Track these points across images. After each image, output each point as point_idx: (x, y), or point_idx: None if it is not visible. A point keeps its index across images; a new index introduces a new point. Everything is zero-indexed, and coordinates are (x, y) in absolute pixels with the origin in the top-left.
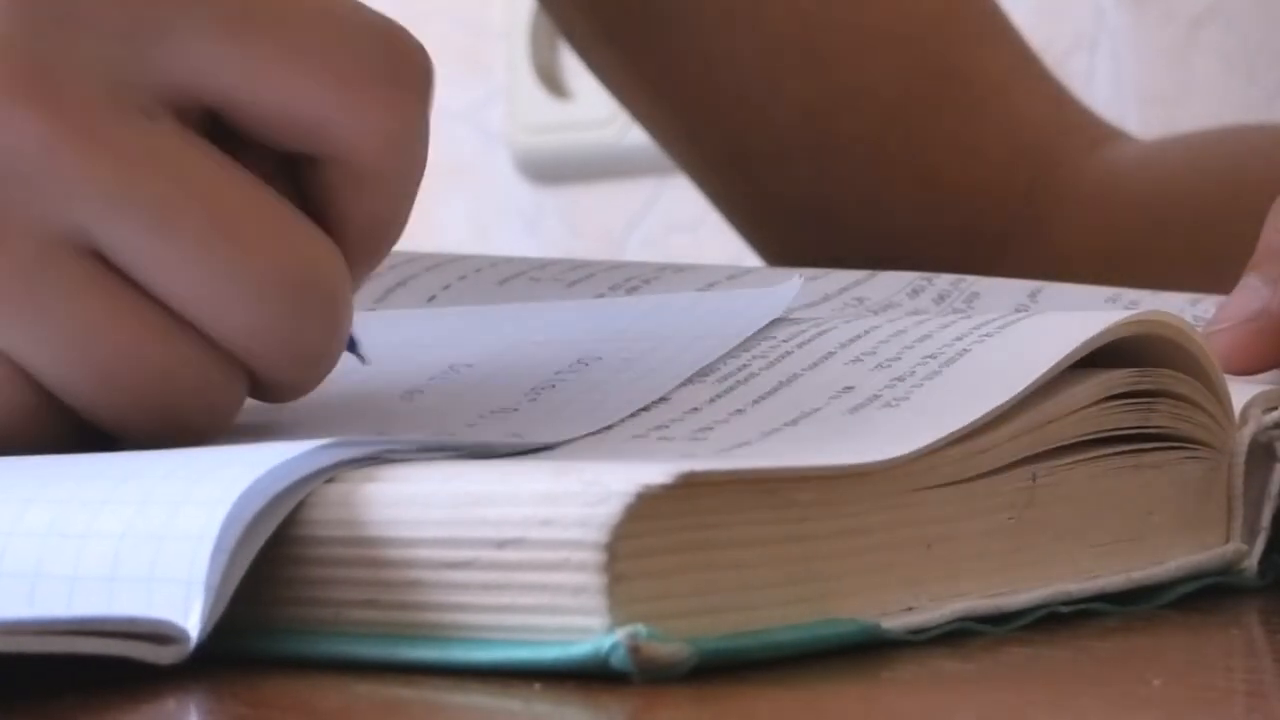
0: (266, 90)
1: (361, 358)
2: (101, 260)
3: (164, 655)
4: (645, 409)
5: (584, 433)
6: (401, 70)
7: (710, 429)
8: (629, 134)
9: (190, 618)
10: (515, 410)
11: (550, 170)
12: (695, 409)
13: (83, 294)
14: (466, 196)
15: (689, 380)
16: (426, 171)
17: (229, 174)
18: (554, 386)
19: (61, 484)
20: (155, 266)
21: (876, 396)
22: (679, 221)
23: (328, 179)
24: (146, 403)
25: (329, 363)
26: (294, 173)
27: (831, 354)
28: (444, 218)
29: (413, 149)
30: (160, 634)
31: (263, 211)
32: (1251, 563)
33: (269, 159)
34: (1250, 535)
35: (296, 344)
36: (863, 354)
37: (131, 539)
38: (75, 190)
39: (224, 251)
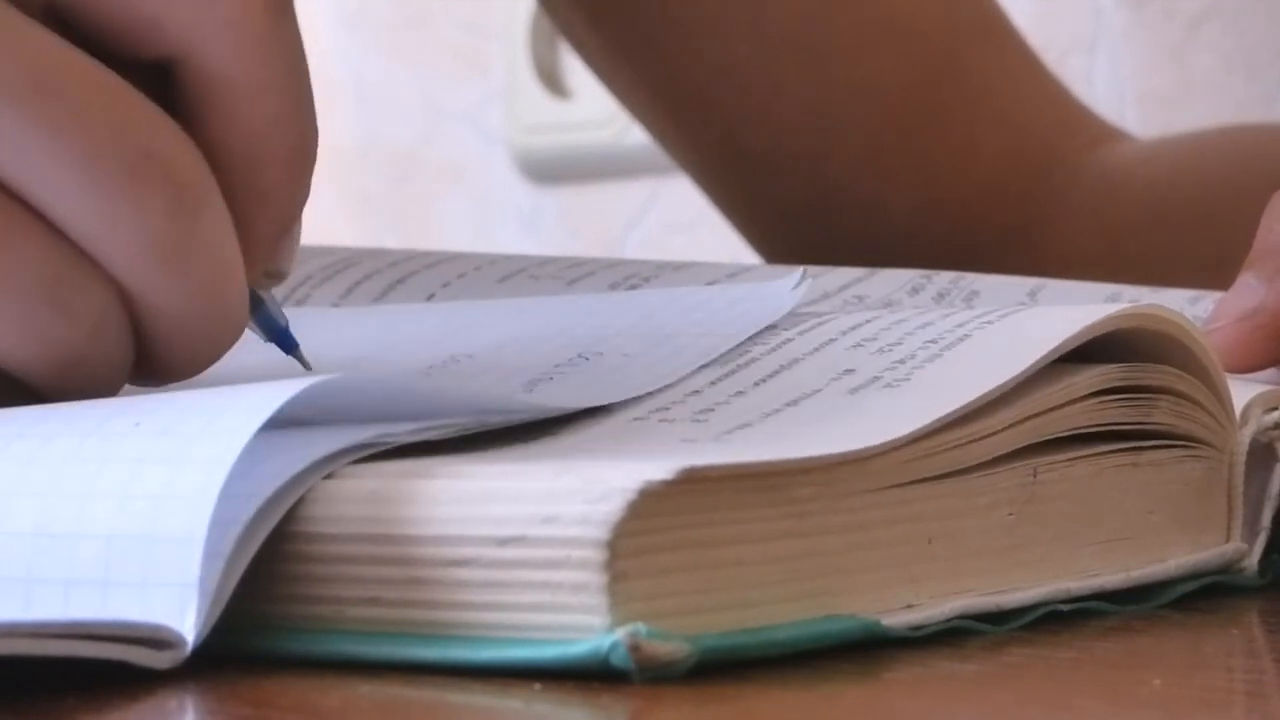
0: None
1: (304, 362)
2: None
3: (161, 660)
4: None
5: (581, 406)
6: None
7: (711, 410)
8: (628, 134)
9: (186, 622)
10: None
11: (549, 170)
12: (696, 391)
13: None
14: (466, 196)
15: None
16: (426, 171)
17: (55, 41)
18: (552, 379)
19: (39, 469)
20: None
21: (877, 378)
22: (678, 221)
23: (188, 88)
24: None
25: (191, 269)
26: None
27: (833, 340)
28: (443, 218)
29: (273, 48)
30: (157, 638)
31: (89, 76)
32: (1251, 562)
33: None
34: (1250, 534)
35: (142, 231)
36: (864, 339)
37: (120, 541)
38: None
39: (41, 109)
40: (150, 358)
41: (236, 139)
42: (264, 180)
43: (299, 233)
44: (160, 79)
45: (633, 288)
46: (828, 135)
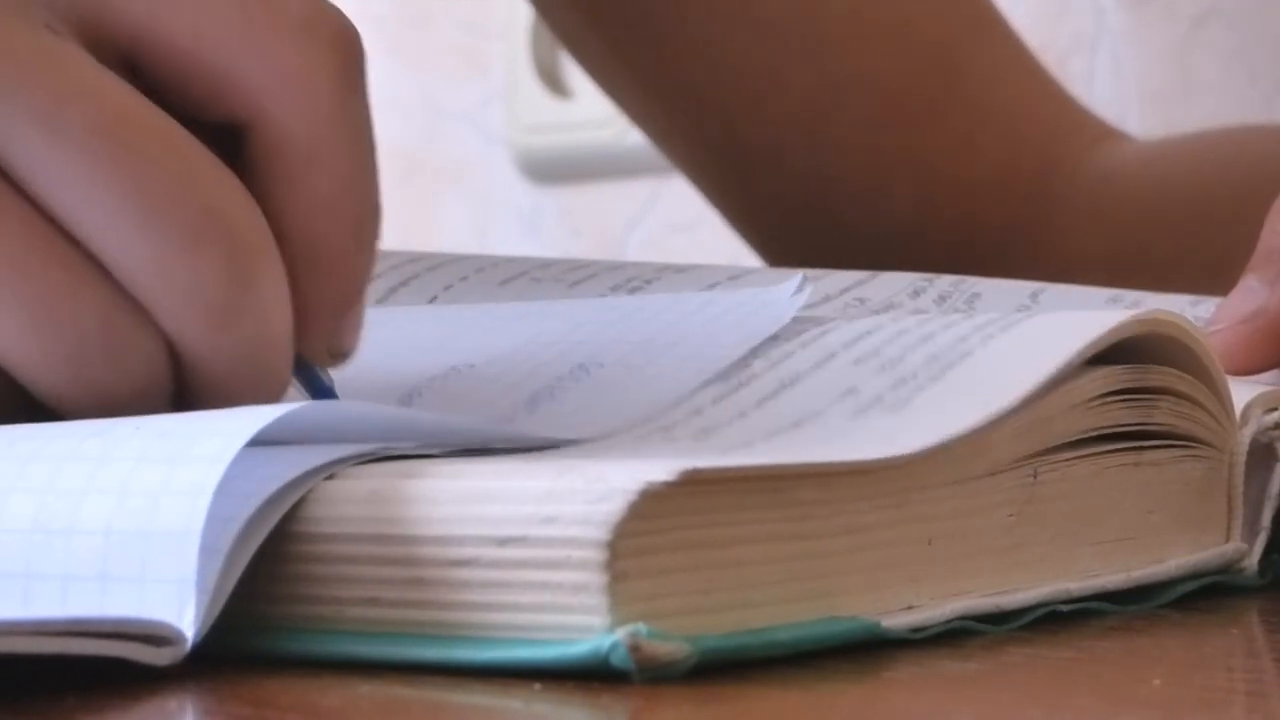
0: (173, 24)
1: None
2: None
3: (160, 657)
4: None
5: (582, 438)
6: (317, 23)
7: (713, 430)
8: (629, 134)
9: (184, 618)
10: (511, 420)
11: (550, 170)
12: (698, 411)
13: None
14: (466, 196)
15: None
16: (426, 172)
17: (130, 92)
18: (553, 394)
19: (38, 466)
20: (44, 172)
21: (880, 399)
22: (679, 221)
23: (257, 152)
24: (50, 341)
25: (241, 331)
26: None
27: (834, 354)
28: (444, 218)
29: (343, 116)
30: (157, 635)
31: (159, 129)
32: (1252, 562)
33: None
34: (1250, 534)
35: (196, 292)
36: (866, 354)
37: (118, 536)
38: None
39: (111, 159)
40: (185, 409)
41: (301, 205)
42: (326, 250)
43: (363, 312)
44: (227, 145)
45: (634, 291)
46: (825, 128)
